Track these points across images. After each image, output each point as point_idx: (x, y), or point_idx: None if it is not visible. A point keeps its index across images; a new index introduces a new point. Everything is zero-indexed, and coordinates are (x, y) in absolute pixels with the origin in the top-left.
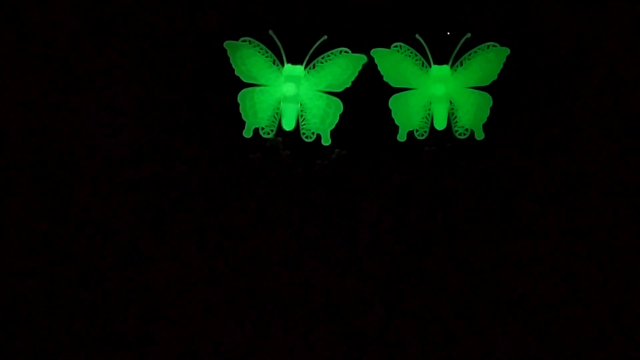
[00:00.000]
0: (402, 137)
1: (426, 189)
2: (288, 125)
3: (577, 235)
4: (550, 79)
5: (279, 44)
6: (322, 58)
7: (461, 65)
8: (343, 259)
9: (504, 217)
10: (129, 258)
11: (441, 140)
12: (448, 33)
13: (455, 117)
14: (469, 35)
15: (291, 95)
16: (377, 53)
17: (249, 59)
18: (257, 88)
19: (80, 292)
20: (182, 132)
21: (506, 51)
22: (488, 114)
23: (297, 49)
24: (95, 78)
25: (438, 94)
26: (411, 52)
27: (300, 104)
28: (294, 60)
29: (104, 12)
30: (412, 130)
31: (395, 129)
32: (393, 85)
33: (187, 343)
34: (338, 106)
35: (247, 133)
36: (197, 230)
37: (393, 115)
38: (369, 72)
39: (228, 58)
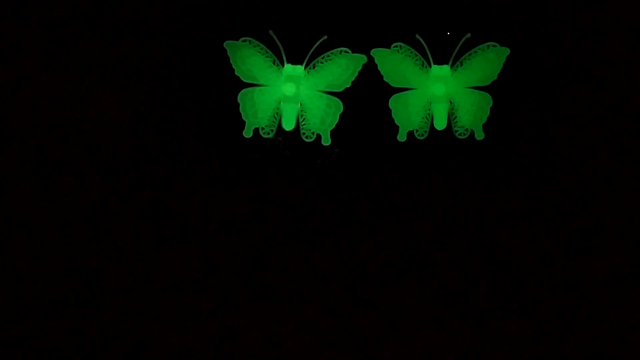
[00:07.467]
0: (402, 137)
1: (426, 189)
2: (288, 125)
3: (579, 235)
4: (550, 79)
5: (279, 44)
6: (322, 58)
7: (461, 65)
8: (343, 259)
9: (505, 216)
10: (128, 258)
11: (441, 140)
12: (448, 33)
13: (455, 117)
14: (469, 35)
15: (291, 95)
16: (377, 53)
17: (249, 59)
18: (257, 88)
19: (79, 292)
20: (182, 132)
21: (506, 51)
22: (488, 114)
23: (297, 49)
24: (93, 78)
25: (438, 94)
26: (411, 52)
27: (300, 104)
28: (294, 60)
29: (103, 11)
30: (412, 130)
31: (395, 129)
32: (393, 85)
33: (188, 342)
34: (338, 106)
35: (247, 133)
36: (196, 230)
37: (393, 115)
38: (365, 69)
39: (228, 58)
